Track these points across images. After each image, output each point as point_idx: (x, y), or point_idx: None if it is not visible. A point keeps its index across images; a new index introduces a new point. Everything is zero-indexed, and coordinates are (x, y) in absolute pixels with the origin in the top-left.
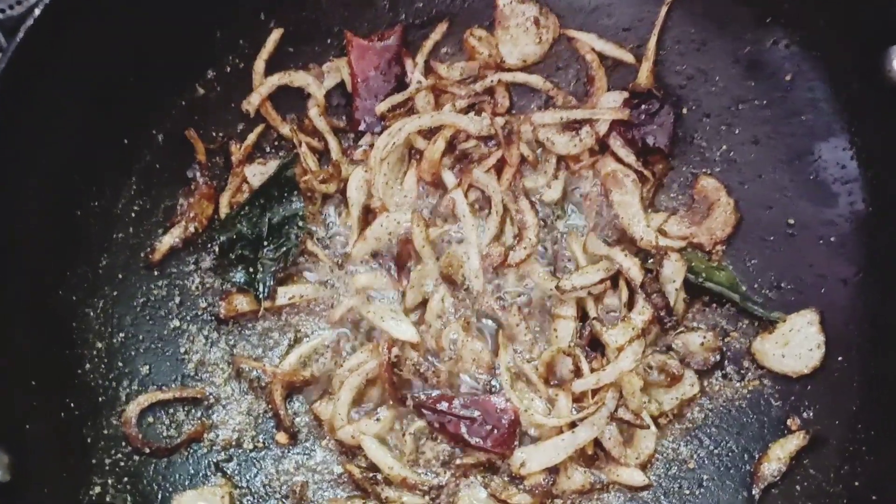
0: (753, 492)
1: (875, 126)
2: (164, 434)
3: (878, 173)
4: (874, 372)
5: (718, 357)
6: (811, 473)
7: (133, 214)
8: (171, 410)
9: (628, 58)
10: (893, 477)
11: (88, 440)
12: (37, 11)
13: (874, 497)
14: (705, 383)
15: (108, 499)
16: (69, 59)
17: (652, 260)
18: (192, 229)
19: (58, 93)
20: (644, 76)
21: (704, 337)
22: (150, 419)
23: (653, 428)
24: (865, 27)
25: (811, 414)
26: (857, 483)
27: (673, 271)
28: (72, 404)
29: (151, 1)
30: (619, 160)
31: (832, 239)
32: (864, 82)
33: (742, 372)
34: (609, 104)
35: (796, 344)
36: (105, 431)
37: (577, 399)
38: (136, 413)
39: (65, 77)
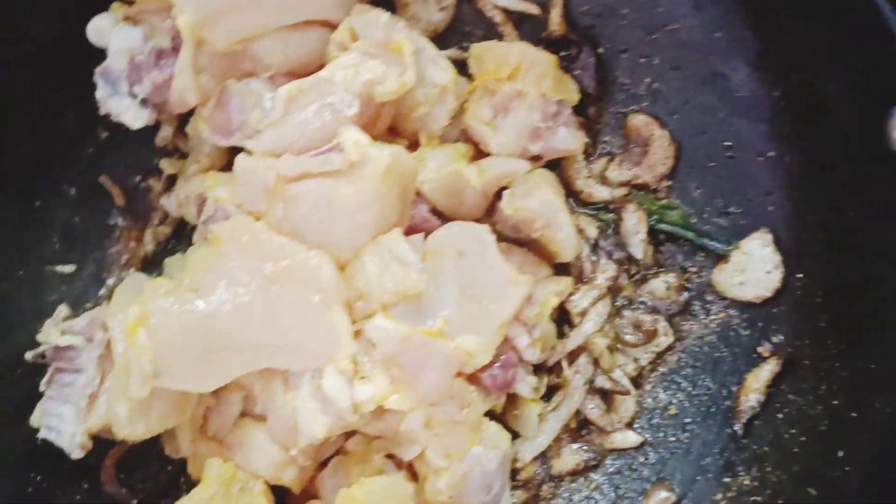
0: (736, 427)
1: (781, 36)
2: (140, 486)
3: (796, 81)
4: (835, 283)
5: (685, 296)
6: (790, 398)
7: (63, 276)
8: (143, 461)
9: (533, 9)
10: (870, 390)
11: None
12: None
13: (854, 414)
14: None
15: None
16: None
17: (606, 213)
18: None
19: None
20: (556, 23)
21: (667, 280)
22: (122, 475)
23: (633, 390)
24: None
25: (781, 337)
26: (836, 402)
27: (635, 222)
28: (37, 477)
29: (38, 49)
30: None
31: (771, 153)
32: None
33: (707, 307)
34: None
35: (753, 269)
36: (77, 497)
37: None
38: (114, 467)
39: None
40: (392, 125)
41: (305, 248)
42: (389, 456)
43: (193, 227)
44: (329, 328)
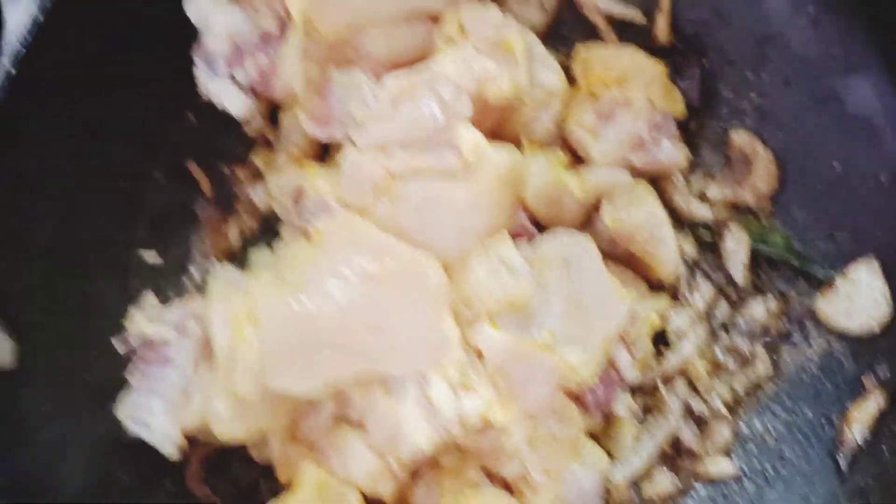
0: (839, 459)
1: None
2: (223, 489)
3: None
4: None
5: (785, 322)
6: None
7: (147, 262)
8: (225, 463)
9: (638, 17)
10: None
11: None
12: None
13: None
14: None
15: None
16: (52, 106)
17: (705, 231)
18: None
19: (44, 144)
20: (663, 31)
21: (766, 305)
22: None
23: (729, 417)
24: None
25: (887, 371)
26: None
27: (736, 243)
28: (119, 473)
29: (129, 34)
30: None
31: (882, 178)
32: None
33: (807, 334)
34: None
35: (861, 298)
36: (161, 497)
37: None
38: (200, 467)
39: (49, 125)
40: (492, 126)
41: (413, 249)
42: (483, 469)
43: (279, 221)
44: (437, 334)
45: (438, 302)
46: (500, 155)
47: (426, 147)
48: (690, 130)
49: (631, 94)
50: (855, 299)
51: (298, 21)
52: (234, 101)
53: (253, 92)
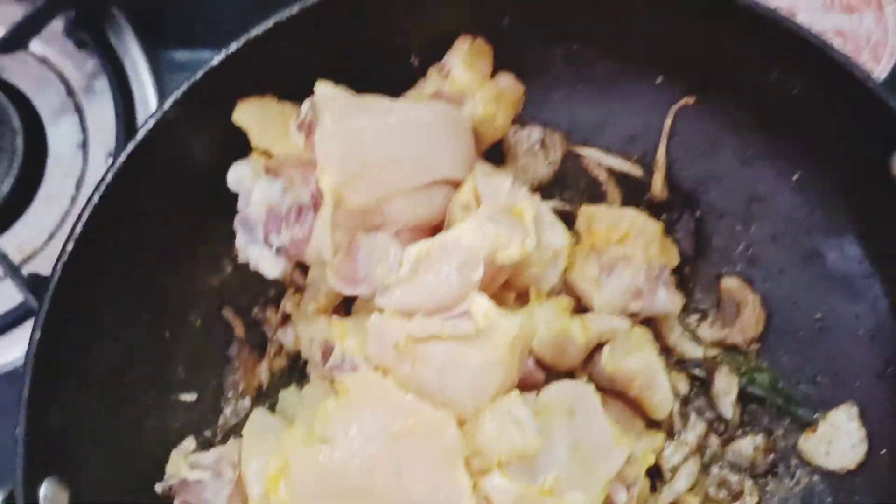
0: None
1: (884, 226)
2: None
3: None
4: None
5: (772, 458)
6: None
7: (185, 404)
8: None
9: (636, 172)
10: None
11: None
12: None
13: None
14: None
15: None
16: (106, 265)
17: (698, 370)
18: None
19: (98, 303)
20: (658, 188)
21: (754, 441)
22: None
23: None
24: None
25: None
26: None
27: (726, 383)
28: None
29: (176, 194)
30: None
31: (860, 332)
32: (871, 183)
33: (791, 470)
34: None
35: (840, 440)
36: None
37: None
38: None
39: (103, 286)
40: (502, 283)
41: (431, 407)
42: None
43: (305, 361)
44: (452, 485)
45: (453, 456)
46: (509, 321)
47: (443, 312)
48: (684, 274)
49: (630, 251)
50: (834, 442)
51: (329, 195)
52: (269, 266)
53: (288, 256)
